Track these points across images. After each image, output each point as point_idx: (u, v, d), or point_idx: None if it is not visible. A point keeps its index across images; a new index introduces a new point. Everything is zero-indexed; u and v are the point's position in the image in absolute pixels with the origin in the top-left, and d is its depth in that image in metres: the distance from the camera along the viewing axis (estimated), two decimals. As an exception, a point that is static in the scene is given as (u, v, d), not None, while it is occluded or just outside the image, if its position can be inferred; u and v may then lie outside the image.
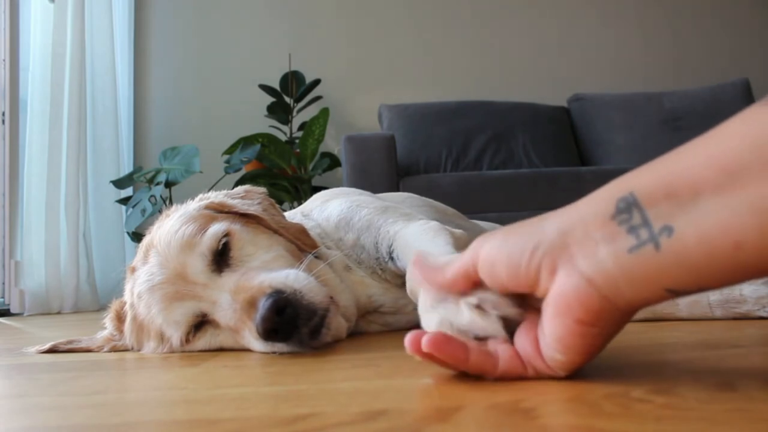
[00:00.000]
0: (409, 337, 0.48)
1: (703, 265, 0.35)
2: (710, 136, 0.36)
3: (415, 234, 0.82)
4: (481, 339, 0.48)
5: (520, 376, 0.46)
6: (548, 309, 0.42)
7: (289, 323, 0.70)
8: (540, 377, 0.46)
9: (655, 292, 0.38)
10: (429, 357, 0.47)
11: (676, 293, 0.38)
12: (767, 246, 0.33)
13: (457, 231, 0.83)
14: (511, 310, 0.46)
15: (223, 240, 0.79)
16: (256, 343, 0.73)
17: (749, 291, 0.78)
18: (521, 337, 0.47)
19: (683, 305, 0.82)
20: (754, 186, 0.33)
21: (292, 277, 0.73)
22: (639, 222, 0.37)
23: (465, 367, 0.47)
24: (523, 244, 0.43)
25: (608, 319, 0.41)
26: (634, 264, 0.37)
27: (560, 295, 0.41)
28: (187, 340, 0.79)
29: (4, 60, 2.51)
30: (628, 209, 0.37)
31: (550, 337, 0.43)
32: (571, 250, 0.40)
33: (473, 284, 0.48)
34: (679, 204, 0.36)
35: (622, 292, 0.39)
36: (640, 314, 0.85)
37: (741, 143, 0.34)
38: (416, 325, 0.96)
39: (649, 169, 0.38)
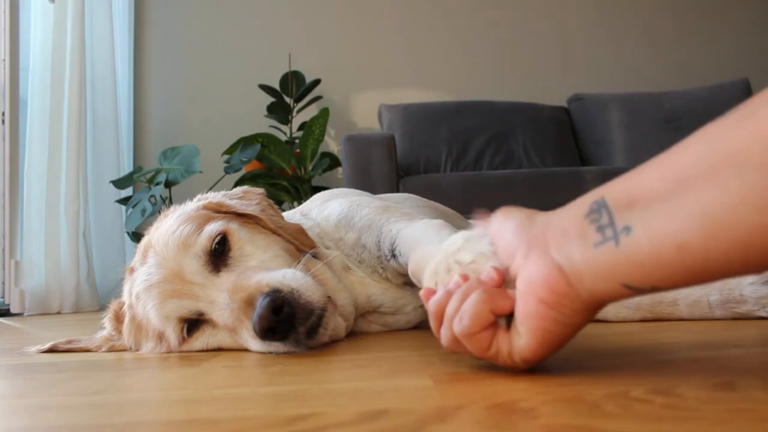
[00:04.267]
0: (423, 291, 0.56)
1: (653, 264, 0.39)
2: (672, 149, 0.41)
3: (419, 230, 0.82)
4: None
5: (482, 350, 0.50)
6: (518, 290, 0.47)
7: (286, 322, 0.70)
8: (498, 363, 0.50)
9: (612, 285, 0.42)
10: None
11: (631, 289, 0.42)
12: (707, 249, 0.37)
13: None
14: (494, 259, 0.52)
15: (217, 239, 0.79)
16: (254, 343, 0.73)
17: (749, 291, 0.78)
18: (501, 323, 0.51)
19: (683, 305, 0.82)
20: (697, 194, 0.37)
21: (289, 276, 0.73)
22: (606, 222, 0.42)
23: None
24: (514, 228, 0.49)
25: (569, 305, 0.44)
26: (597, 257, 0.42)
27: (529, 275, 0.46)
28: (183, 338, 0.79)
29: (4, 60, 2.51)
30: (599, 210, 0.43)
31: (517, 317, 0.47)
32: (547, 240, 0.46)
33: None
34: (637, 208, 0.40)
35: (585, 282, 0.43)
36: (640, 314, 0.85)
37: (688, 156, 0.39)
38: (415, 326, 0.96)
39: (620, 179, 0.43)
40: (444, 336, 0.52)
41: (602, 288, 0.43)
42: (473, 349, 0.50)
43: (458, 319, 0.50)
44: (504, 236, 0.50)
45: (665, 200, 0.39)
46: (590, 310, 0.45)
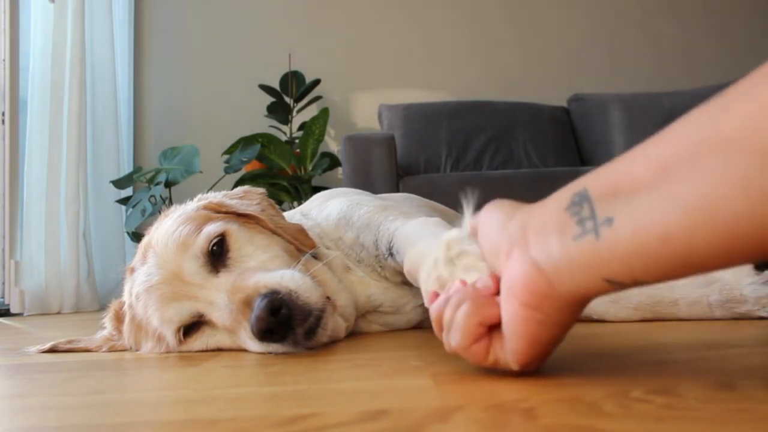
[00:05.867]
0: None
1: (635, 257, 0.37)
2: (656, 136, 0.39)
3: (416, 228, 0.82)
4: None
5: (480, 360, 0.49)
6: (502, 294, 0.46)
7: (284, 324, 0.70)
8: (499, 369, 0.49)
9: (594, 281, 0.40)
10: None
11: (613, 284, 0.40)
12: (691, 239, 0.35)
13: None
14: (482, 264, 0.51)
15: (215, 240, 0.79)
16: (252, 344, 0.73)
17: (749, 291, 0.78)
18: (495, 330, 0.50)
19: (683, 305, 0.82)
20: (683, 182, 0.35)
21: (287, 277, 0.73)
22: (587, 214, 0.40)
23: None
24: (498, 225, 0.47)
25: (552, 306, 0.43)
26: (576, 252, 0.40)
27: (509, 277, 0.44)
28: (181, 340, 0.79)
29: (4, 60, 2.51)
30: (580, 203, 0.40)
31: (504, 322, 0.46)
32: (528, 238, 0.44)
33: None
34: (621, 198, 0.38)
35: (565, 280, 0.41)
36: (640, 314, 0.85)
37: (672, 142, 0.37)
38: (416, 325, 0.96)
39: (604, 168, 0.41)
40: (445, 344, 0.52)
41: (583, 284, 0.41)
42: (471, 360, 0.50)
43: (452, 333, 0.50)
44: (488, 234, 0.48)
45: (649, 189, 0.37)
46: (574, 307, 0.44)
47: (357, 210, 0.93)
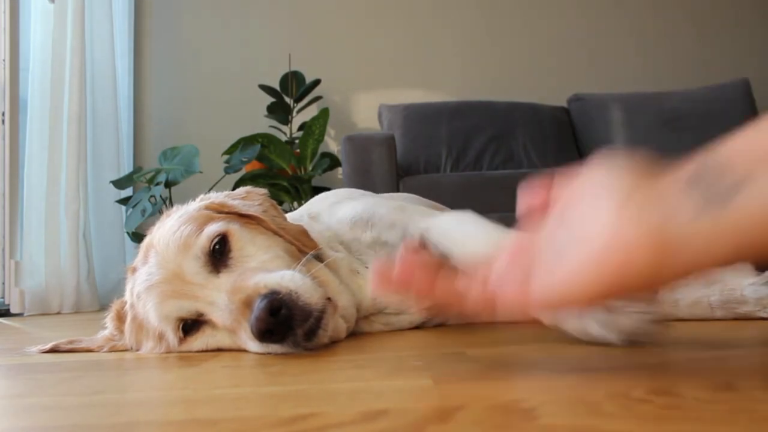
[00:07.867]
0: (377, 275, 0.52)
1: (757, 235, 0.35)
2: None
3: (454, 222, 0.83)
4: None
5: (489, 314, 0.47)
6: (593, 242, 0.41)
7: (284, 324, 0.69)
8: (509, 319, 0.46)
9: (714, 254, 0.37)
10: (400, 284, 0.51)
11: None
12: None
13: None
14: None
15: (216, 240, 0.79)
16: (252, 344, 0.73)
17: (750, 292, 0.78)
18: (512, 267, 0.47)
19: (683, 305, 0.82)
20: None
21: (287, 277, 0.73)
22: (713, 182, 0.37)
23: (431, 294, 0.50)
24: (617, 184, 0.43)
25: (640, 278, 0.40)
26: (704, 222, 0.37)
27: (617, 234, 0.40)
28: (181, 337, 0.79)
29: (4, 60, 2.50)
30: (706, 171, 0.38)
31: (573, 263, 0.42)
32: (650, 200, 0.40)
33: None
34: (750, 173, 0.36)
35: (684, 250, 0.38)
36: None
37: None
38: (417, 326, 0.96)
39: (737, 138, 0.38)
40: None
41: (701, 257, 0.38)
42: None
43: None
44: (600, 182, 0.44)
45: None
46: (660, 283, 0.41)
47: (376, 210, 0.96)
